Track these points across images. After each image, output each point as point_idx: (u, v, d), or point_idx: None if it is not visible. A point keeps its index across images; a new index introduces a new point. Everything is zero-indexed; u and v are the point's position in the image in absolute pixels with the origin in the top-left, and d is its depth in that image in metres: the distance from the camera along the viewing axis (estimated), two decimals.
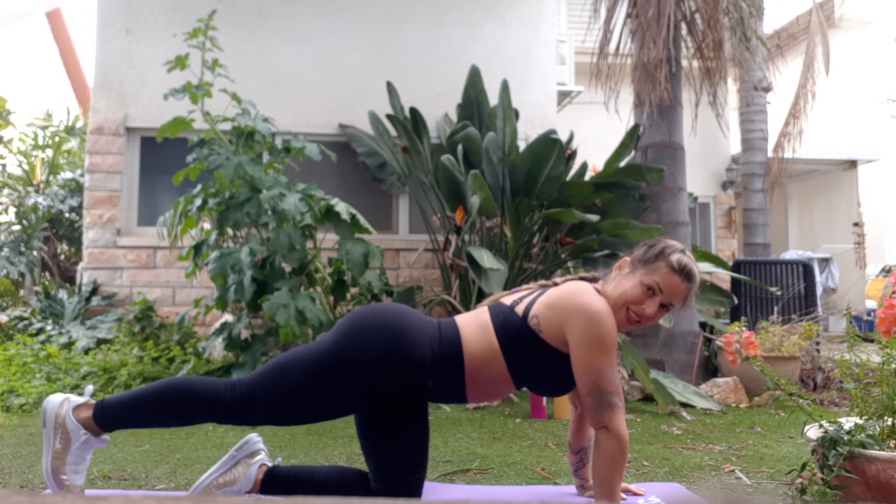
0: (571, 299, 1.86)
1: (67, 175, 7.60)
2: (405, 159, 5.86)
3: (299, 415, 1.87)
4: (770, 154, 9.21)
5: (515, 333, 1.87)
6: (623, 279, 1.94)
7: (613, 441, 1.81)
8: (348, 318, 1.89)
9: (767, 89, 9.09)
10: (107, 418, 1.88)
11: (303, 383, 1.81)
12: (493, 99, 5.66)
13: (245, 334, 4.49)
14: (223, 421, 1.88)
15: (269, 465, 1.99)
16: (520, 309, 1.90)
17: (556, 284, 2.01)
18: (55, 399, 1.91)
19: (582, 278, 2.08)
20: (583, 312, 1.82)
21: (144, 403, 1.87)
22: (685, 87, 5.33)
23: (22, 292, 7.60)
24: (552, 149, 4.59)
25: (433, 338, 1.86)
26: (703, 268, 4.89)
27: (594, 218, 4.53)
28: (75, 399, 1.92)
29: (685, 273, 1.90)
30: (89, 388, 1.99)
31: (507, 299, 1.98)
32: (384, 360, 1.79)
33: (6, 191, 7.51)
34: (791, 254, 7.83)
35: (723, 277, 6.07)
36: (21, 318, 5.69)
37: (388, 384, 1.79)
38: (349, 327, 1.85)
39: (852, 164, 9.94)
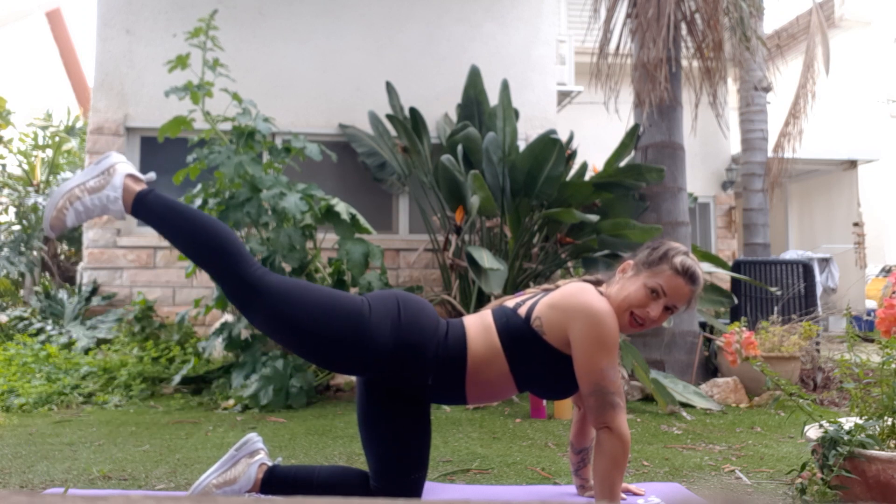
0: (574, 300, 1.86)
1: (67, 175, 7.60)
2: (405, 159, 5.86)
3: (294, 339, 1.83)
4: (770, 154, 9.20)
5: (518, 335, 1.87)
6: (627, 282, 1.94)
7: (616, 441, 1.81)
8: (382, 292, 1.92)
9: (767, 89, 9.08)
10: (143, 205, 1.84)
11: (319, 314, 1.79)
12: (493, 99, 5.66)
13: (245, 334, 4.49)
14: (229, 289, 1.81)
15: (269, 464, 1.99)
16: (522, 311, 1.91)
17: (557, 287, 2.01)
18: (121, 156, 1.88)
19: (584, 280, 2.08)
20: (585, 312, 1.82)
21: (181, 222, 1.83)
22: (685, 87, 5.33)
23: (22, 292, 7.60)
24: (552, 149, 4.59)
25: (441, 334, 1.87)
26: (703, 268, 4.89)
27: (594, 218, 4.53)
28: (135, 171, 1.88)
29: (689, 275, 1.91)
30: (152, 174, 1.94)
31: (511, 302, 1.99)
32: (394, 342, 1.79)
33: (6, 191, 7.51)
34: (791, 254, 7.83)
35: (723, 277, 6.08)
36: (21, 318, 5.69)
37: (388, 366, 1.80)
38: (381, 300, 1.87)
39: (852, 164, 9.94)
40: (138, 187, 1.85)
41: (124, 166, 1.86)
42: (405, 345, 1.80)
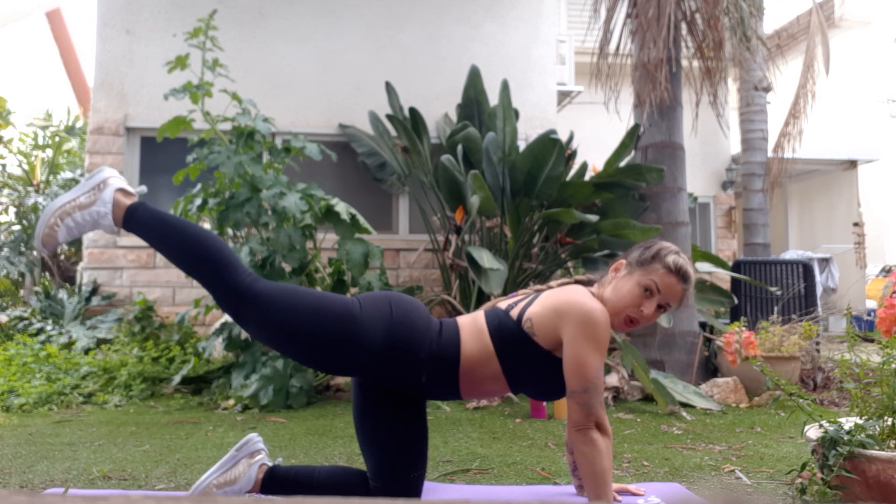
0: (566, 299, 1.89)
1: (67, 175, 7.60)
2: (405, 159, 5.86)
3: (288, 344, 1.83)
4: (770, 154, 9.20)
5: (509, 336, 1.88)
6: (620, 282, 1.96)
7: (607, 438, 1.85)
8: (373, 293, 1.92)
9: (767, 89, 9.08)
10: (134, 219, 1.86)
11: (311, 317, 1.80)
12: (493, 99, 5.66)
13: (245, 334, 4.49)
14: (220, 298, 1.83)
15: (270, 465, 1.99)
16: (514, 313, 1.92)
17: (550, 288, 2.02)
18: (113, 171, 1.90)
19: (577, 281, 2.10)
20: (578, 311, 1.84)
21: (171, 233, 1.84)
22: (685, 87, 5.33)
23: (22, 292, 7.60)
24: (552, 149, 4.59)
25: (434, 334, 1.88)
26: (702, 268, 4.90)
27: (594, 218, 4.53)
28: (127, 185, 1.89)
29: (681, 274, 1.94)
30: (143, 188, 1.97)
31: (504, 303, 2.00)
32: (386, 342, 1.80)
33: (6, 191, 7.51)
34: (791, 254, 7.83)
35: (723, 277, 6.08)
36: (21, 318, 5.69)
37: (382, 366, 1.80)
38: (372, 301, 1.87)
39: (852, 164, 9.94)
40: (129, 201, 1.87)
41: (115, 181, 1.88)
42: (398, 343, 1.81)
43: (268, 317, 1.79)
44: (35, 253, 7.25)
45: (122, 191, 1.88)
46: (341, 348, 1.80)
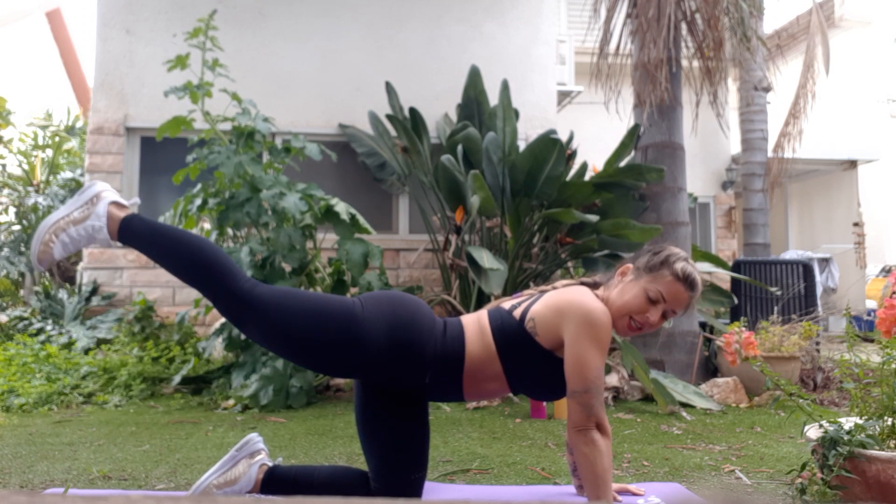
0: (568, 300, 1.88)
1: (67, 175, 7.61)
2: (405, 159, 5.86)
3: (290, 348, 1.83)
4: (770, 154, 9.21)
5: (511, 336, 1.88)
6: (626, 286, 1.95)
7: (608, 438, 1.85)
8: (376, 293, 1.92)
9: (767, 89, 9.08)
10: (129, 231, 1.85)
11: (312, 320, 1.79)
12: (493, 99, 5.66)
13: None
14: (221, 306, 1.82)
15: (270, 465, 1.99)
16: (517, 313, 1.92)
17: (554, 289, 2.02)
18: (105, 185, 1.89)
19: (583, 283, 2.09)
20: (580, 311, 1.84)
21: (168, 243, 1.83)
22: (685, 87, 5.33)
23: (22, 292, 7.60)
24: (552, 149, 4.59)
25: (438, 333, 1.88)
26: (703, 268, 4.89)
27: (594, 218, 4.53)
28: (119, 198, 1.89)
29: (689, 282, 1.93)
30: (136, 199, 1.97)
31: (507, 303, 2.00)
32: (390, 343, 1.79)
33: (6, 191, 7.51)
34: (791, 254, 7.83)
35: (723, 277, 6.08)
36: (21, 318, 5.69)
37: (386, 367, 1.80)
38: (374, 300, 1.87)
39: (852, 164, 9.94)
40: (123, 214, 1.86)
41: (108, 194, 1.87)
42: (401, 344, 1.80)
43: (268, 321, 1.79)
44: None
45: (115, 204, 1.87)
46: (344, 350, 1.79)
